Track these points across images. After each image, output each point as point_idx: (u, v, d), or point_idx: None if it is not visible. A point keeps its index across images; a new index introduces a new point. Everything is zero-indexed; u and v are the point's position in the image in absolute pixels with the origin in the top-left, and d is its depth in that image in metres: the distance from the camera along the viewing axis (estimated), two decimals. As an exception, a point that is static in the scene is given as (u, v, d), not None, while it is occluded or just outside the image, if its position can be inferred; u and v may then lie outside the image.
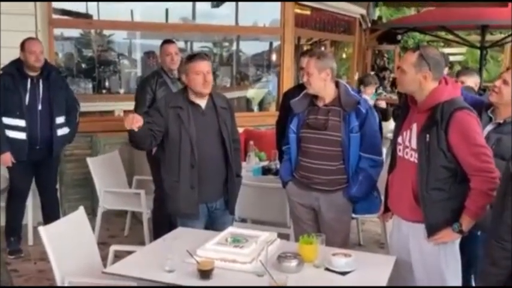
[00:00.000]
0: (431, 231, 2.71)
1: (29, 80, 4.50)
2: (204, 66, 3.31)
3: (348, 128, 3.23)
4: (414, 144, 2.74)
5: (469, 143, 2.61)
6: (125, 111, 2.98)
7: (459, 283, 2.85)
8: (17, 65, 4.50)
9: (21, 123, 4.46)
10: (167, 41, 4.73)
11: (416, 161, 2.73)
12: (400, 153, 2.88)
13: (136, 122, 3.06)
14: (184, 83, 3.42)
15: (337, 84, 3.35)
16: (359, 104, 3.26)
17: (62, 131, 4.67)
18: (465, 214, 2.65)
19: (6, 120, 4.45)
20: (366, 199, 3.33)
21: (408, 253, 2.85)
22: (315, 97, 3.35)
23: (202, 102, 3.40)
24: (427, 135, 2.65)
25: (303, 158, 3.38)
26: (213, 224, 3.45)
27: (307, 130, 3.35)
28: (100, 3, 7.16)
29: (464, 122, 2.62)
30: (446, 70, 5.29)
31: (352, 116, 3.24)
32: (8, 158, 4.46)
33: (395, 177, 2.94)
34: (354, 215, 3.53)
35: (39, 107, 4.52)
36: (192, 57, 3.36)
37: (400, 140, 2.87)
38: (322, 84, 3.27)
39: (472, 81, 4.56)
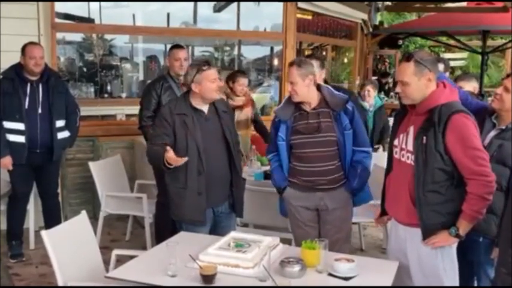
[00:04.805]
0: (426, 233, 2.72)
1: (28, 84, 4.51)
2: (216, 73, 3.38)
3: (341, 126, 3.34)
4: (411, 147, 2.76)
5: (465, 145, 2.62)
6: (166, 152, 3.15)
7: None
8: (17, 69, 4.52)
9: (21, 126, 4.47)
10: (177, 46, 4.72)
11: (413, 163, 2.74)
12: (396, 156, 2.89)
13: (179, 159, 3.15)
14: (189, 89, 3.41)
15: (318, 87, 3.41)
16: (347, 103, 3.36)
17: (62, 135, 4.68)
18: (462, 218, 2.67)
19: (6, 124, 4.46)
20: (364, 190, 3.48)
21: (406, 257, 2.86)
22: (300, 103, 3.39)
23: (205, 108, 3.41)
24: (424, 137, 2.67)
25: (301, 163, 3.42)
26: (216, 228, 3.46)
27: (299, 136, 3.39)
28: (102, 8, 7.19)
29: (461, 125, 2.63)
30: (447, 75, 5.31)
31: (342, 114, 3.35)
32: (8, 161, 4.46)
33: (391, 180, 2.95)
34: (356, 217, 3.60)
35: (39, 111, 4.53)
36: (204, 65, 3.36)
37: (396, 142, 2.89)
38: (306, 90, 3.33)
39: (471, 86, 4.57)
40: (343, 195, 3.43)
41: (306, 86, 3.31)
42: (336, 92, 3.43)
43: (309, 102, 3.38)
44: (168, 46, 8.63)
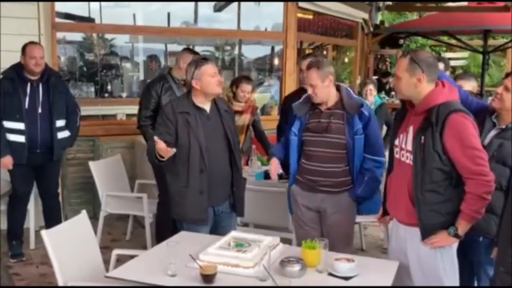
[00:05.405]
0: (426, 233, 2.72)
1: (28, 84, 4.51)
2: (215, 67, 3.37)
3: (352, 130, 3.29)
4: (410, 146, 2.76)
5: (463, 145, 2.61)
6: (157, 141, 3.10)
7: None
8: (17, 69, 4.51)
9: (21, 126, 4.47)
10: (192, 51, 4.67)
11: (411, 163, 2.73)
12: (397, 156, 2.89)
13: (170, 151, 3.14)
14: (190, 88, 3.40)
15: (338, 88, 3.39)
16: (362, 107, 3.31)
17: (62, 134, 4.68)
18: (460, 218, 2.66)
19: (7, 124, 4.46)
20: (370, 199, 3.38)
21: (406, 257, 2.85)
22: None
23: (207, 107, 3.41)
24: (422, 137, 2.66)
25: (308, 161, 3.40)
26: (217, 228, 3.45)
27: (309, 134, 3.37)
28: (102, 7, 7.19)
29: (459, 125, 2.63)
30: (447, 74, 5.32)
31: (355, 118, 3.29)
32: (8, 161, 4.45)
33: (392, 179, 2.95)
34: (357, 217, 3.57)
35: (39, 111, 4.53)
36: (201, 61, 3.36)
37: (397, 142, 2.89)
38: (327, 91, 3.31)
39: (470, 85, 4.58)
40: (346, 200, 3.37)
41: (326, 87, 3.29)
42: (354, 95, 3.40)
43: (325, 102, 3.35)
44: (169, 46, 8.66)
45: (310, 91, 3.33)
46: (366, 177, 3.32)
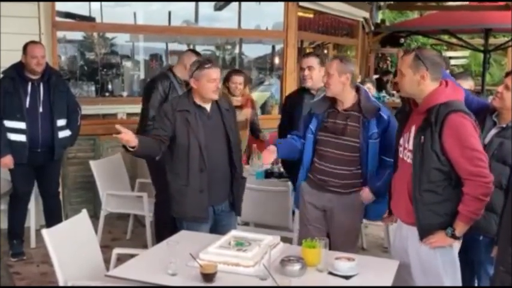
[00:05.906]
0: (423, 233, 2.71)
1: (29, 83, 4.51)
2: (218, 73, 3.35)
3: (366, 134, 3.24)
4: (411, 146, 2.75)
5: (462, 146, 2.60)
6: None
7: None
8: (18, 68, 4.51)
9: (22, 125, 4.46)
10: (197, 53, 4.68)
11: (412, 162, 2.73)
12: (400, 155, 2.89)
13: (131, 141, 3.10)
14: (190, 86, 3.40)
15: (357, 90, 3.34)
16: (380, 111, 3.26)
17: (63, 134, 4.68)
18: (458, 219, 2.65)
19: (8, 123, 4.46)
20: (381, 202, 3.31)
21: (407, 255, 2.85)
22: (335, 100, 3.35)
23: (208, 105, 3.41)
24: (422, 137, 2.66)
25: (320, 161, 3.38)
26: (217, 227, 3.45)
27: (325, 133, 3.35)
28: (103, 6, 7.19)
29: (458, 125, 2.61)
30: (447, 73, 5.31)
31: (372, 122, 3.24)
32: (8, 160, 4.45)
33: (396, 179, 2.95)
34: (365, 220, 3.56)
35: (40, 110, 4.53)
36: (206, 63, 3.34)
37: (401, 141, 2.89)
38: (341, 87, 3.27)
39: (467, 84, 4.58)
40: (354, 202, 3.34)
41: (341, 83, 3.25)
42: (372, 98, 3.36)
43: (342, 101, 3.32)
44: (170, 45, 8.66)
45: (324, 79, 3.32)
46: (386, 173, 3.22)
